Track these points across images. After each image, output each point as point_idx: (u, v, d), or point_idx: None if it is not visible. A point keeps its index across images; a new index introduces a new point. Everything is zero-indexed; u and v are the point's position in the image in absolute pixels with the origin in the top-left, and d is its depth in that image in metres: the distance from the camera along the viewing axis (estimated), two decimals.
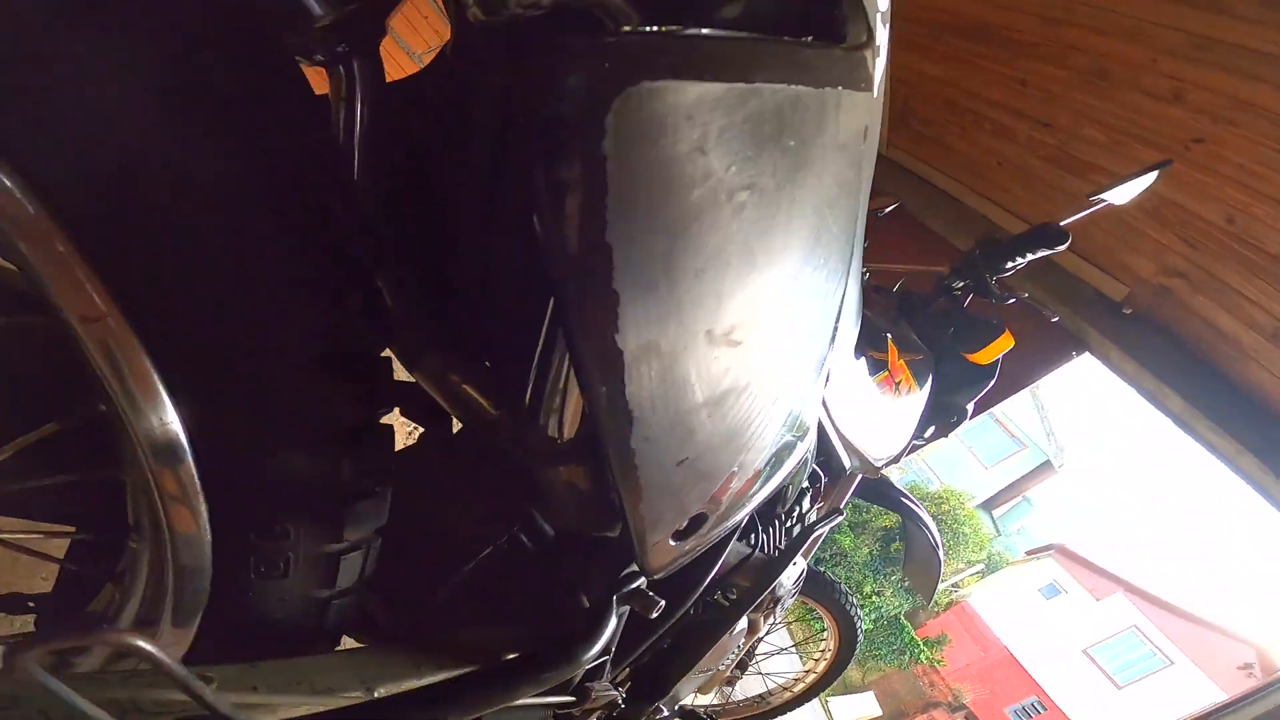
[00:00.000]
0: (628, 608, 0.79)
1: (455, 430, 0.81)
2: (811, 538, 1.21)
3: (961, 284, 1.52)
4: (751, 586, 1.10)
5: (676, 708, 1.34)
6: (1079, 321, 2.90)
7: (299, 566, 0.58)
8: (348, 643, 0.73)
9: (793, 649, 2.48)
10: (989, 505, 15.47)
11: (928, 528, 1.89)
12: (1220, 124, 2.03)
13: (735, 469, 0.61)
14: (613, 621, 0.76)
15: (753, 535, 1.14)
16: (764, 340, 0.54)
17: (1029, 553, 15.56)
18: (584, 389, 0.44)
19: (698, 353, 0.48)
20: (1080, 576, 14.31)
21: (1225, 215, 2.20)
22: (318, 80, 0.57)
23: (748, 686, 2.23)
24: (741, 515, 0.75)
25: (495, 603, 0.85)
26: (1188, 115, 2.10)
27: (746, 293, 0.49)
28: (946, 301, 1.55)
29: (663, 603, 0.76)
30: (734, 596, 1.10)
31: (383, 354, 0.58)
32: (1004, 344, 1.48)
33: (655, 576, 0.69)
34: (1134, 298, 2.76)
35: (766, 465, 0.67)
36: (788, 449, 0.70)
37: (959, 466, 15.43)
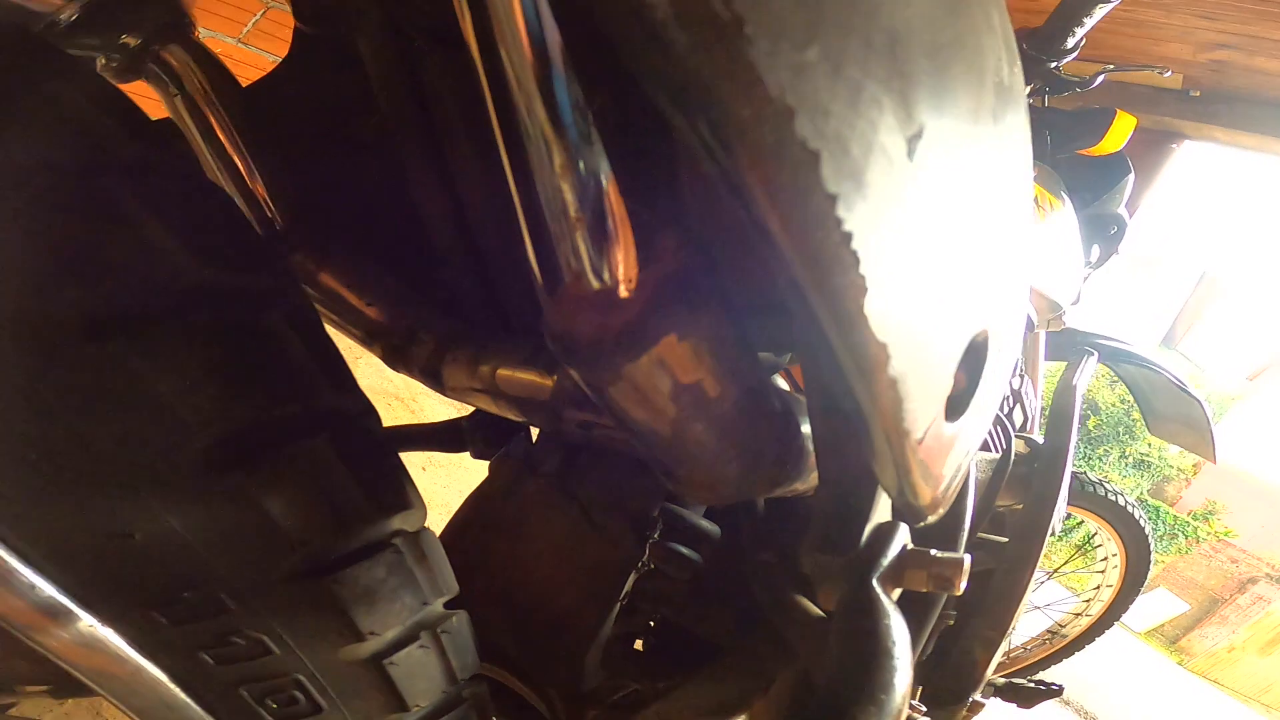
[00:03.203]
0: (898, 589, 0.46)
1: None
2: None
3: (1029, 87, 1.23)
4: (1032, 505, 0.72)
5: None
6: (1155, 118, 2.79)
7: (324, 697, 0.33)
8: None
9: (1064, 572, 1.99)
10: (1168, 342, 13.02)
11: (1159, 368, 1.45)
12: None
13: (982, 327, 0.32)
14: (890, 615, 0.42)
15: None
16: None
17: (1251, 378, 12.79)
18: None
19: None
20: None
21: None
22: None
23: (1026, 626, 1.84)
24: (999, 396, 0.42)
25: (664, 656, 0.59)
26: None
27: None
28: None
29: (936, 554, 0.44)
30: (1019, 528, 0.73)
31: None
32: (1124, 124, 1.21)
33: (929, 518, 0.39)
34: (1192, 80, 2.66)
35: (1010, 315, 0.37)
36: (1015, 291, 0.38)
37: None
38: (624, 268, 0.24)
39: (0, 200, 0.21)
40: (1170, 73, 1.53)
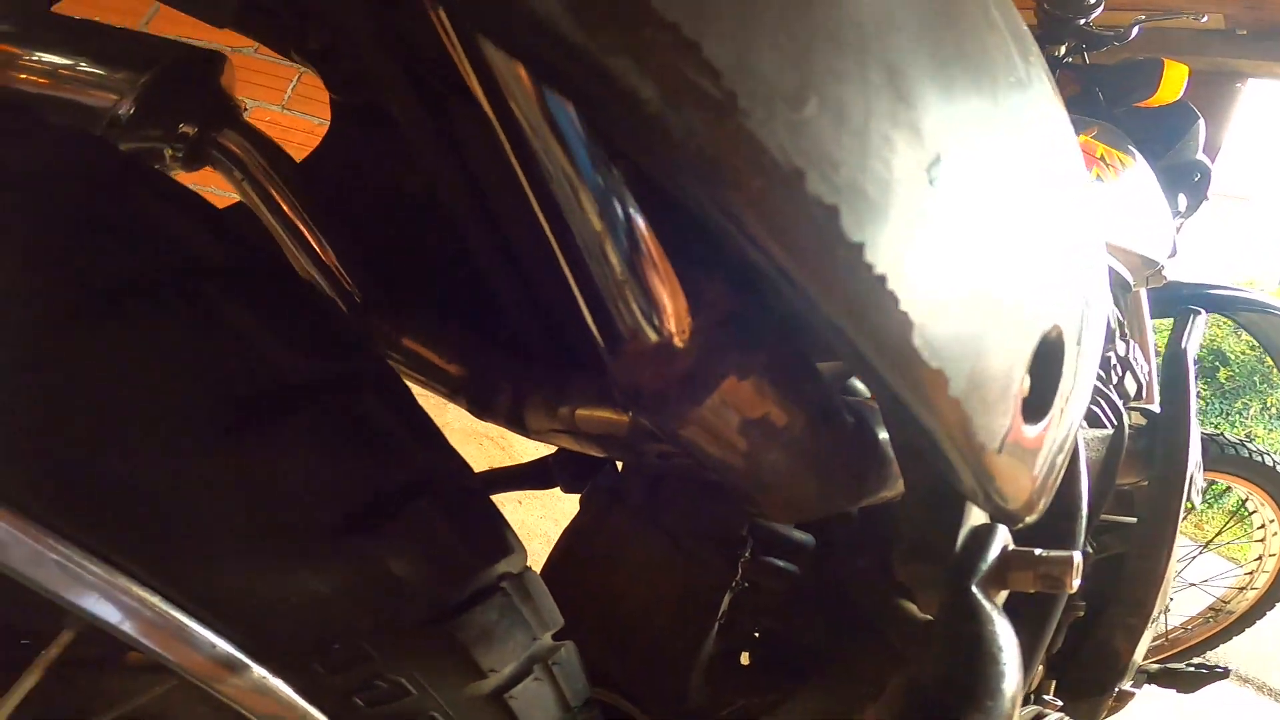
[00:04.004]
0: (1003, 592, 0.45)
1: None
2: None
3: (1062, 48, 1.23)
4: (1158, 480, 0.69)
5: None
6: (1209, 60, 2.81)
7: None
8: None
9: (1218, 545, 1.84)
10: None
11: (1275, 309, 1.38)
12: None
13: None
14: (994, 620, 0.42)
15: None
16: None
17: None
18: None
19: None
20: None
21: None
22: None
23: (1183, 605, 1.71)
24: (1094, 370, 0.41)
25: (771, 668, 0.59)
26: None
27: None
28: (1066, 73, 1.28)
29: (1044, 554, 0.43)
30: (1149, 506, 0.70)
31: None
32: (1176, 73, 1.18)
33: (1026, 519, 0.38)
34: (1234, 20, 2.69)
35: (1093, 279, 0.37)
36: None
37: None
38: (676, 320, 0.26)
39: (108, 318, 0.26)
40: (1205, 18, 1.48)
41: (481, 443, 1.90)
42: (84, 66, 0.49)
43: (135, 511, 0.27)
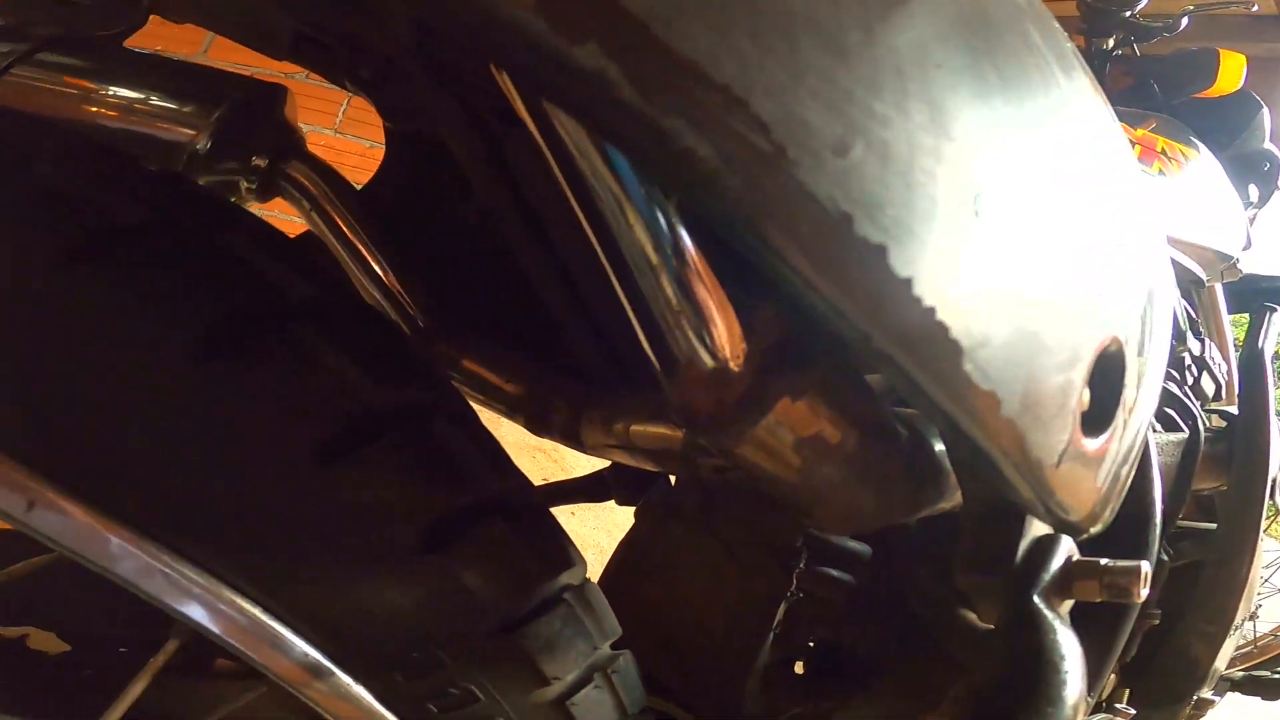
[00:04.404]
0: (1068, 601, 0.45)
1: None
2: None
3: (1111, 41, 1.23)
4: (1238, 484, 0.67)
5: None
6: (1268, 46, 2.72)
7: None
8: None
9: None
10: None
11: None
12: None
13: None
14: (1057, 630, 0.42)
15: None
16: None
17: None
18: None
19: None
20: None
21: None
22: None
23: (1274, 611, 1.66)
24: (1160, 375, 0.41)
25: (826, 677, 0.60)
26: None
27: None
28: (1119, 66, 1.27)
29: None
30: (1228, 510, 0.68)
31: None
32: (1234, 63, 1.17)
33: (1091, 530, 0.38)
34: None
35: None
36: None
37: None
38: (730, 346, 0.28)
39: (214, 361, 0.29)
40: (1257, 5, 1.43)
41: (535, 456, 1.95)
42: (157, 101, 0.53)
43: (238, 530, 0.30)
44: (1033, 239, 0.26)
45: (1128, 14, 1.15)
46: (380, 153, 0.61)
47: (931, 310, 0.21)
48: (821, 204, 0.19)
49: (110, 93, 0.53)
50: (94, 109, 0.52)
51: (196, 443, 0.28)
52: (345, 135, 2.68)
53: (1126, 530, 0.65)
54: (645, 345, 0.30)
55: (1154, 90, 1.21)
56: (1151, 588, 0.67)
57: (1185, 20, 1.25)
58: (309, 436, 0.29)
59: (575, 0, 0.17)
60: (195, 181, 0.41)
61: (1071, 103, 0.32)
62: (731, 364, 0.28)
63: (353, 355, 0.31)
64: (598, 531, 1.71)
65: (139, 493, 0.29)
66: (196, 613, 0.32)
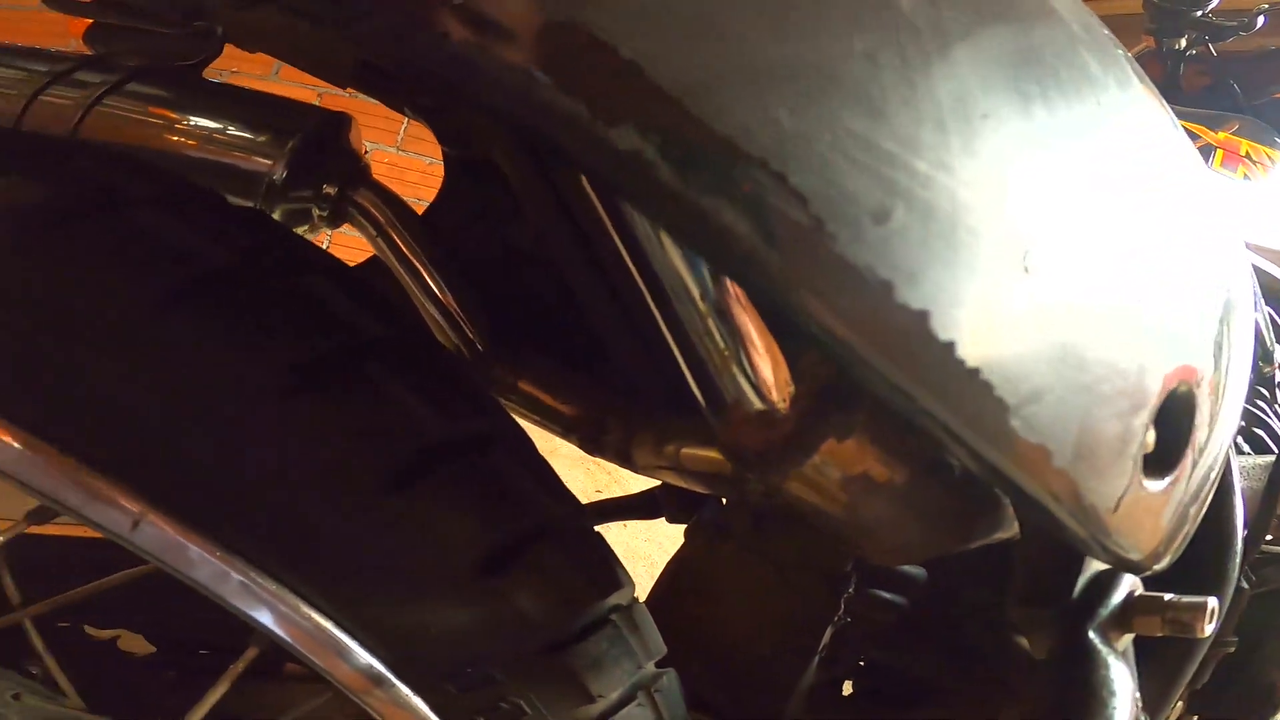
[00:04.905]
0: (1127, 635, 0.44)
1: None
2: None
3: (1182, 41, 1.21)
4: None
5: None
6: None
7: None
8: None
9: None
10: None
11: None
12: None
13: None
14: (1110, 665, 0.42)
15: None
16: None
17: None
18: None
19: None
20: None
21: None
22: None
23: None
24: (1238, 406, 0.40)
25: (874, 698, 0.62)
26: None
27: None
28: (1193, 66, 1.25)
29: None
30: None
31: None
32: None
33: (1154, 568, 0.37)
34: None
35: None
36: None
37: None
38: (778, 389, 0.29)
39: (297, 395, 0.31)
40: None
41: (589, 469, 2.01)
42: (233, 131, 0.56)
43: (314, 550, 0.32)
44: (1090, 289, 0.26)
45: (1198, 13, 1.12)
46: (439, 169, 0.64)
47: (975, 371, 0.21)
48: (861, 274, 0.19)
49: (191, 123, 0.56)
50: (177, 139, 0.56)
51: (280, 471, 0.30)
52: (406, 152, 2.79)
53: (1205, 557, 0.63)
54: (692, 384, 0.31)
55: (1234, 90, 1.18)
56: (1229, 616, 0.65)
57: (1261, 18, 1.21)
58: (379, 467, 0.31)
59: (612, 81, 0.18)
60: (276, 220, 0.44)
61: (1134, 128, 0.32)
62: (779, 405, 0.29)
63: (419, 389, 0.33)
64: (649, 544, 1.74)
65: (228, 514, 0.31)
66: (273, 622, 0.35)
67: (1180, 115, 1.06)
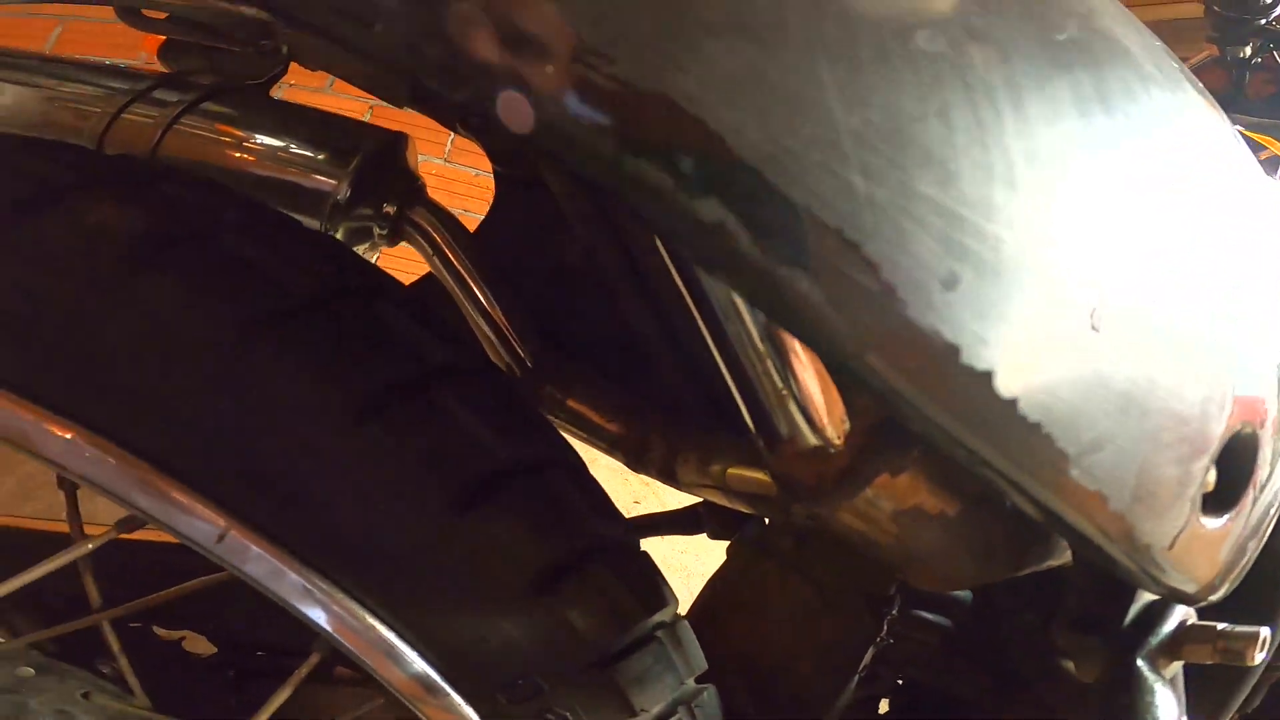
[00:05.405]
0: (1176, 663, 0.44)
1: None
2: None
3: (1247, 49, 1.18)
4: None
5: None
6: None
7: None
8: None
9: None
10: None
11: None
12: None
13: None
14: (1156, 692, 0.42)
15: None
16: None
17: None
18: None
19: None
20: None
21: None
22: None
23: None
24: None
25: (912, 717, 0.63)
26: None
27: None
28: (1259, 74, 1.21)
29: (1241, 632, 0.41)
30: None
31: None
32: None
33: (1210, 599, 0.38)
34: None
35: None
36: None
37: None
38: (832, 426, 0.30)
39: (365, 423, 0.33)
40: None
41: (626, 478, 2.04)
42: (296, 150, 0.58)
43: (382, 563, 0.35)
44: (1155, 337, 0.26)
45: (1264, 21, 1.10)
46: (486, 180, 0.66)
47: (1037, 426, 0.22)
48: (928, 338, 0.20)
49: (258, 141, 0.59)
50: (246, 157, 0.58)
51: (353, 492, 0.33)
52: (454, 164, 2.85)
53: (1260, 583, 0.62)
54: (745, 414, 0.32)
55: None
56: None
57: None
58: (444, 489, 0.33)
59: (698, 153, 0.19)
60: (347, 248, 0.46)
61: (1205, 169, 0.32)
62: (834, 441, 0.30)
63: (482, 415, 0.35)
64: (686, 555, 1.78)
65: (304, 529, 0.34)
66: (337, 630, 0.38)
67: (1246, 125, 1.02)
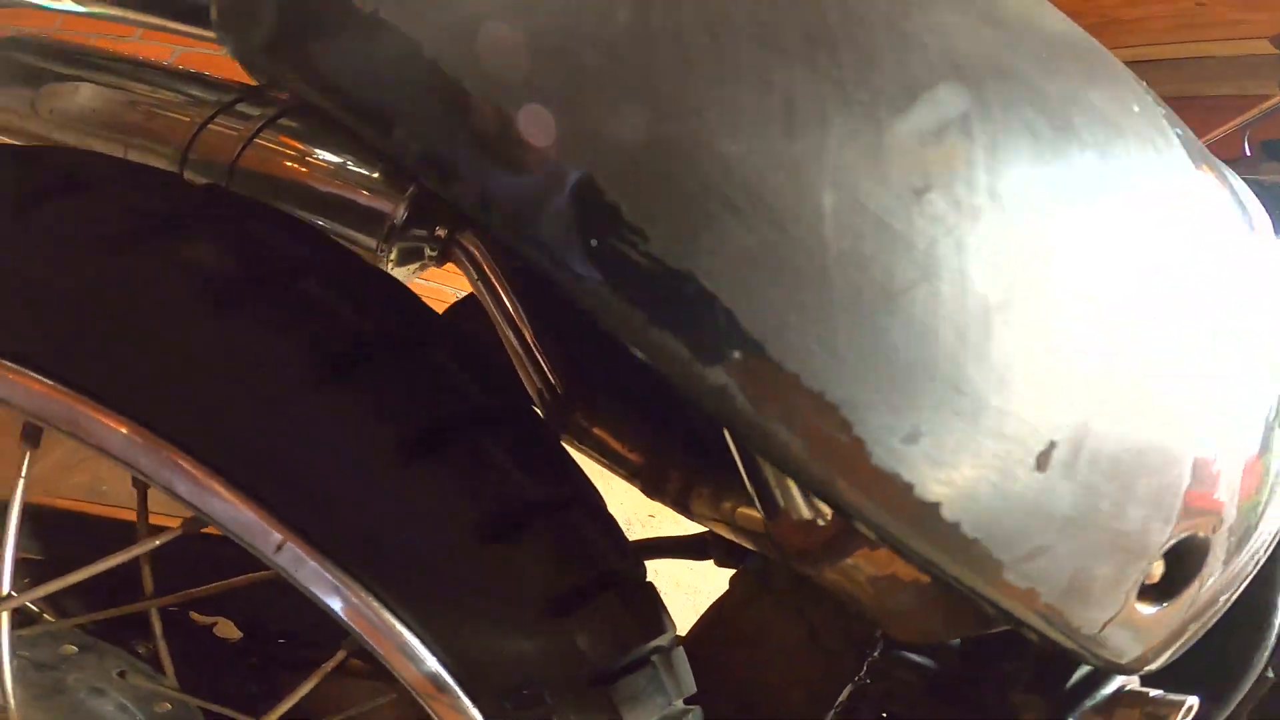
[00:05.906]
0: None
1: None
2: None
3: None
4: None
5: None
6: None
7: None
8: None
9: None
10: None
11: None
12: None
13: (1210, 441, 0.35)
14: None
15: None
16: None
17: None
18: None
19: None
20: None
21: None
22: None
23: None
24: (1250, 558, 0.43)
25: None
26: None
27: None
28: None
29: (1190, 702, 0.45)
30: None
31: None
32: None
33: (1147, 669, 0.41)
34: None
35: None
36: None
37: None
38: (821, 505, 0.34)
39: (412, 462, 0.38)
40: None
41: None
42: (352, 167, 0.59)
43: (418, 580, 0.40)
44: (1099, 476, 0.29)
45: None
46: None
47: (976, 540, 0.26)
48: (889, 478, 0.25)
49: (320, 158, 0.62)
50: (310, 173, 0.61)
51: (400, 517, 0.38)
52: None
53: (1234, 647, 0.65)
54: (749, 485, 0.37)
55: None
56: (1245, 703, 0.67)
57: None
58: (475, 522, 0.39)
59: (712, 328, 0.24)
60: (409, 291, 0.50)
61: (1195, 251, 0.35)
62: (821, 519, 0.35)
63: (517, 458, 0.41)
64: (694, 575, 1.83)
65: (352, 545, 0.39)
66: (366, 631, 0.43)
67: None
